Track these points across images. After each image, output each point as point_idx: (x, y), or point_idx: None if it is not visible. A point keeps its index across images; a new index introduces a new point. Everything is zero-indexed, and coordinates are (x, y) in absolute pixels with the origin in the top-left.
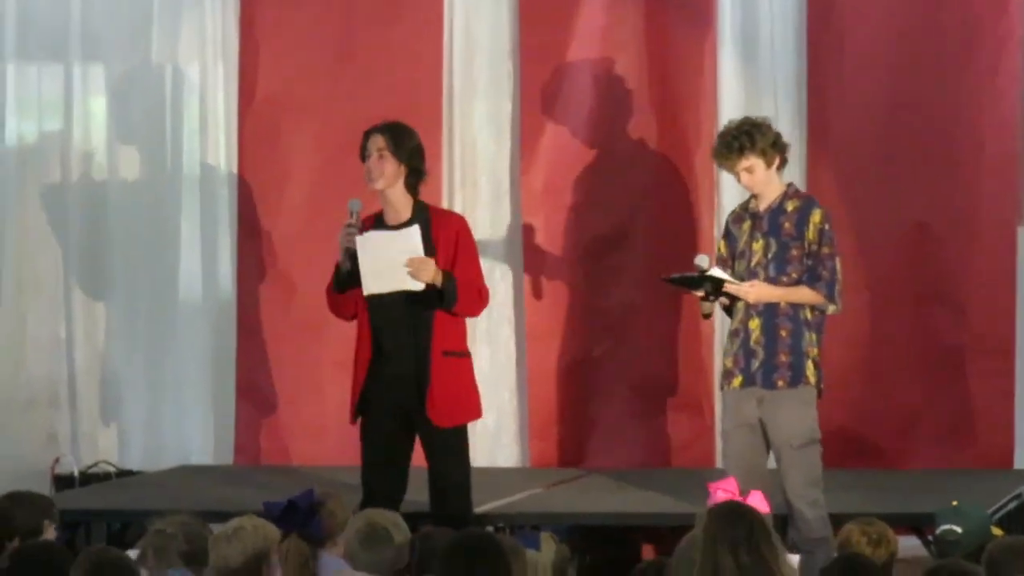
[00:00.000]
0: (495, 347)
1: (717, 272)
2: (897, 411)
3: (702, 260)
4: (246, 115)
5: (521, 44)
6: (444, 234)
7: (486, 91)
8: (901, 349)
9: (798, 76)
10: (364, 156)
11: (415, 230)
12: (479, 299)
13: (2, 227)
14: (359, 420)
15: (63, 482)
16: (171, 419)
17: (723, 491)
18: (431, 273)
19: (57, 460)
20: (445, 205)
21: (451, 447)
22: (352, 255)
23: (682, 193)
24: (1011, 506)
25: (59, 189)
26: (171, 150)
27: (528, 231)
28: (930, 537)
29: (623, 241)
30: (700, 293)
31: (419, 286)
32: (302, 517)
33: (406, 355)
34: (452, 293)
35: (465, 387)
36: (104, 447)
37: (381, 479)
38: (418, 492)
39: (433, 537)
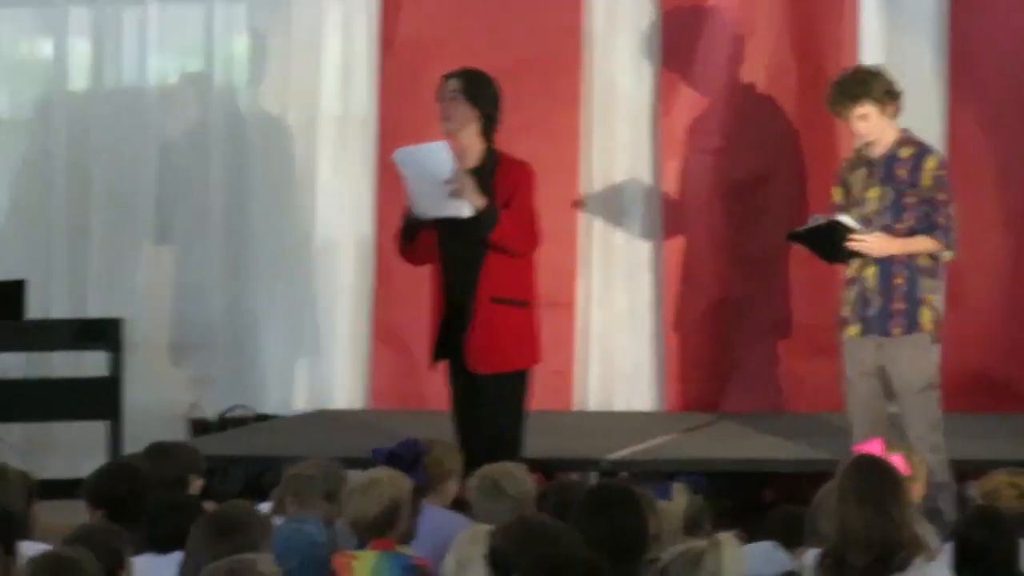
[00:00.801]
0: (633, 290)
1: (844, 218)
2: None
3: (815, 220)
4: (387, 57)
5: None
6: (505, 180)
7: (626, 32)
8: None
9: (940, 18)
10: (439, 98)
11: (442, 145)
12: (526, 236)
13: (144, 168)
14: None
15: (200, 426)
16: (309, 363)
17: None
18: (470, 190)
19: (194, 405)
20: (583, 146)
21: (488, 396)
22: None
23: (822, 135)
24: None
25: (200, 130)
26: (312, 91)
27: (668, 173)
28: None
29: (763, 184)
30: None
31: (467, 211)
32: (404, 466)
33: (465, 299)
34: (491, 218)
35: (510, 335)
36: (242, 391)
37: (468, 423)
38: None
39: (570, 487)
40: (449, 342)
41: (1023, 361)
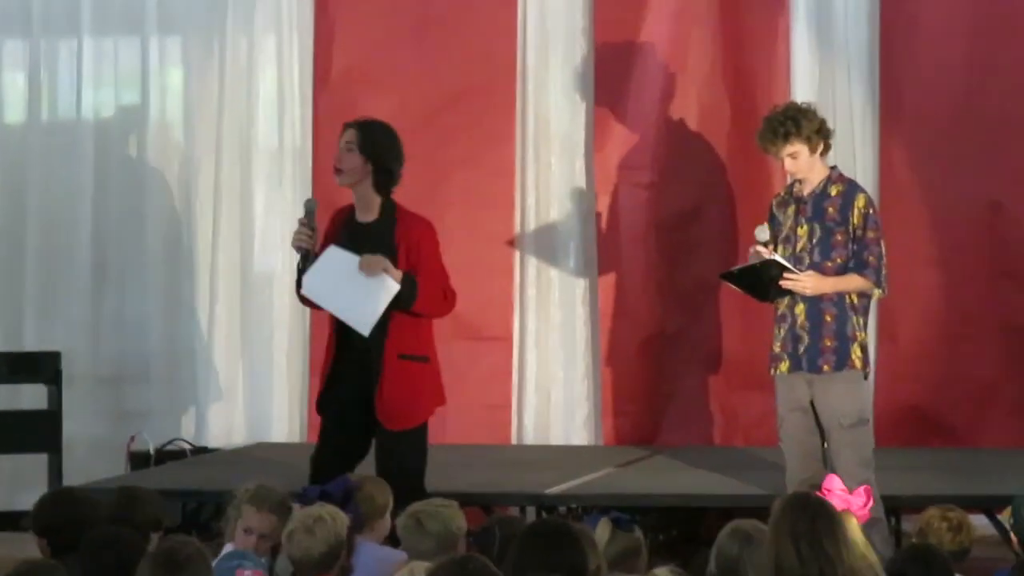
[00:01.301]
0: (568, 325)
1: (778, 257)
2: (969, 389)
3: (762, 231)
4: (321, 89)
5: (595, 20)
6: (407, 236)
7: (560, 67)
8: (974, 326)
9: (871, 52)
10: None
11: (332, 248)
12: (443, 300)
13: (80, 202)
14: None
15: (139, 460)
16: (247, 396)
17: (829, 492)
18: (381, 265)
19: (133, 438)
20: (517, 180)
21: (397, 450)
22: (305, 254)
23: (755, 169)
24: None
25: (136, 163)
26: (247, 124)
27: (602, 205)
28: (999, 517)
29: (697, 217)
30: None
31: (394, 288)
32: (336, 503)
33: (364, 356)
34: (410, 290)
35: (419, 391)
36: (180, 424)
37: (329, 469)
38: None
39: (513, 523)
40: (343, 398)
41: (953, 396)
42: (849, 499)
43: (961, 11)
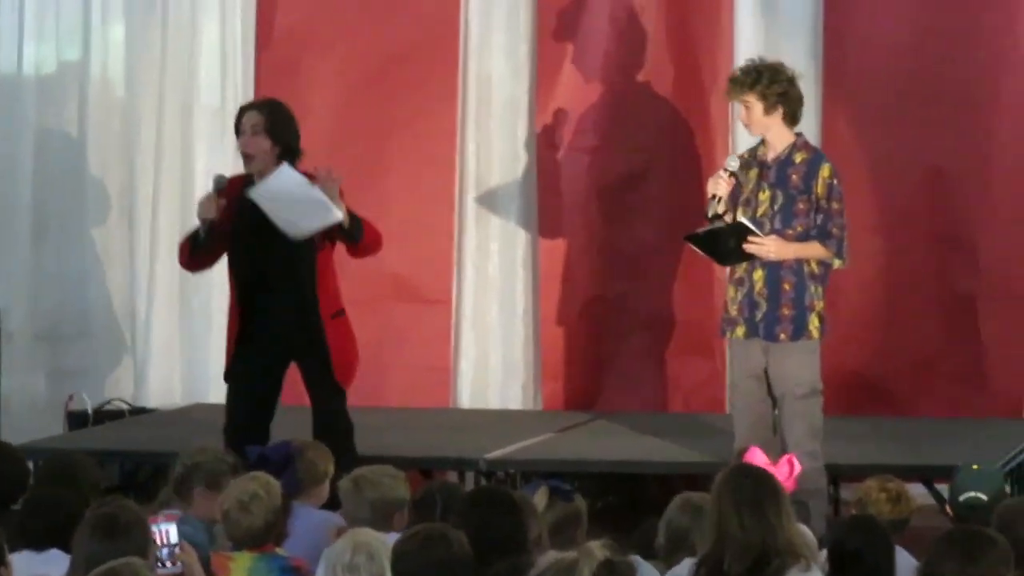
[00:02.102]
0: (508, 288)
1: (745, 220)
2: (910, 356)
3: (732, 161)
4: (264, 47)
5: None
6: None
7: (504, 27)
8: (915, 294)
9: (815, 17)
10: (238, 131)
11: (284, 166)
12: (377, 232)
13: (21, 157)
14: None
15: (77, 419)
16: (185, 356)
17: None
18: (335, 194)
19: (71, 397)
20: (459, 142)
21: (342, 409)
22: (209, 226)
23: (698, 133)
24: (1021, 458)
25: (77, 119)
26: (189, 81)
27: (543, 169)
28: (937, 487)
29: (639, 181)
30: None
31: (339, 215)
32: (274, 468)
33: (287, 317)
34: (357, 219)
35: (352, 345)
36: (119, 383)
37: (244, 438)
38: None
39: (454, 489)
40: (258, 360)
41: (895, 364)
42: (773, 470)
43: None
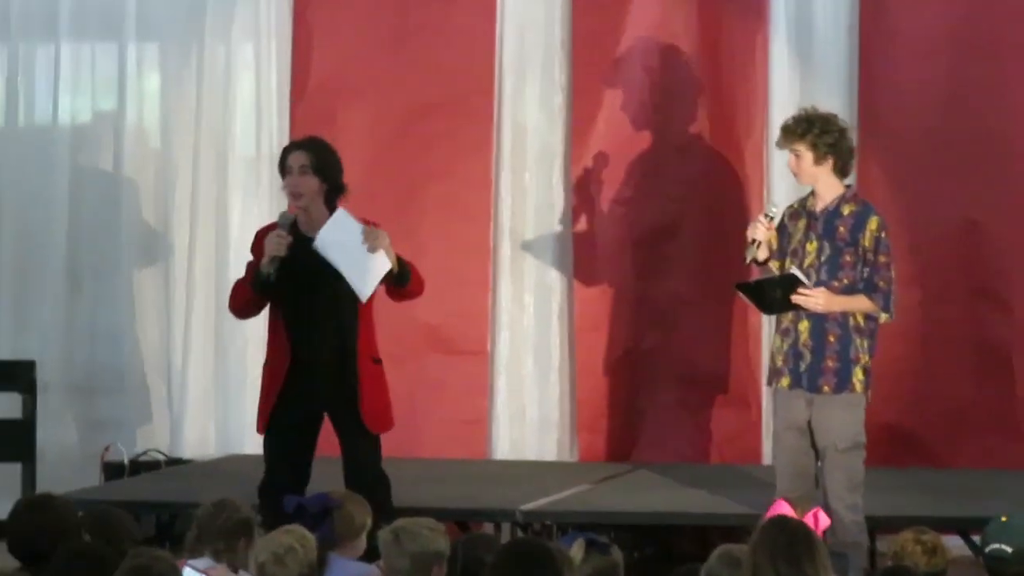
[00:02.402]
0: (543, 339)
1: (797, 272)
2: (945, 408)
3: (772, 207)
4: (299, 98)
5: (574, 30)
6: None
7: (539, 78)
8: (949, 345)
9: (850, 68)
10: (284, 171)
11: (342, 212)
12: (422, 278)
13: (56, 208)
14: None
15: (113, 470)
16: (221, 407)
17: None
18: (388, 239)
19: (107, 448)
20: (493, 192)
21: (374, 456)
22: (280, 263)
23: (732, 185)
24: None
25: (112, 169)
26: (224, 132)
27: (578, 220)
28: (975, 538)
29: (674, 232)
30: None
31: (388, 264)
32: (311, 520)
33: (329, 364)
34: (403, 266)
35: (387, 393)
36: (155, 434)
37: (289, 482)
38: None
39: (477, 543)
40: (297, 410)
41: (929, 415)
42: None
43: (940, 28)
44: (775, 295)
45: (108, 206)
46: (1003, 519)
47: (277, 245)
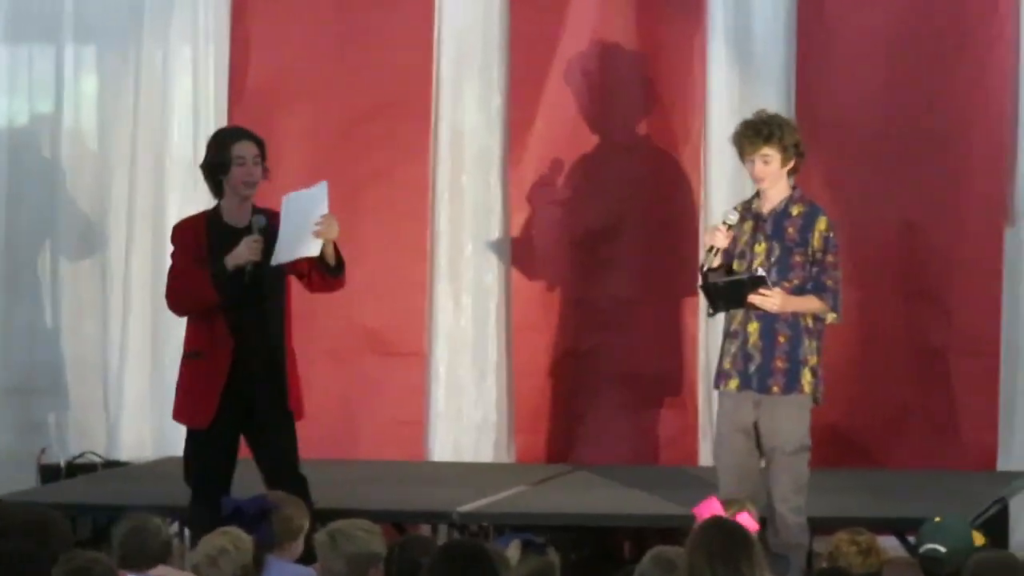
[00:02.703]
0: (482, 339)
1: (763, 272)
2: (882, 409)
3: (732, 215)
4: (237, 101)
5: (512, 32)
6: None
7: (477, 80)
8: (888, 347)
9: (787, 71)
10: (229, 160)
11: (323, 185)
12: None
13: None
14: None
15: (49, 472)
16: (158, 410)
17: (709, 515)
18: (337, 228)
19: (43, 451)
20: (431, 195)
21: (292, 443)
22: (253, 267)
23: (672, 186)
24: (992, 511)
25: (49, 171)
26: (162, 134)
27: (516, 221)
28: (910, 539)
29: (612, 234)
30: (712, 308)
31: (316, 250)
32: (249, 521)
33: (260, 353)
34: (341, 261)
35: (299, 379)
36: (91, 437)
37: (222, 483)
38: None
39: (414, 545)
40: (235, 399)
41: (867, 416)
42: None
43: (878, 30)
44: (737, 296)
45: (45, 207)
46: (937, 520)
47: (253, 250)
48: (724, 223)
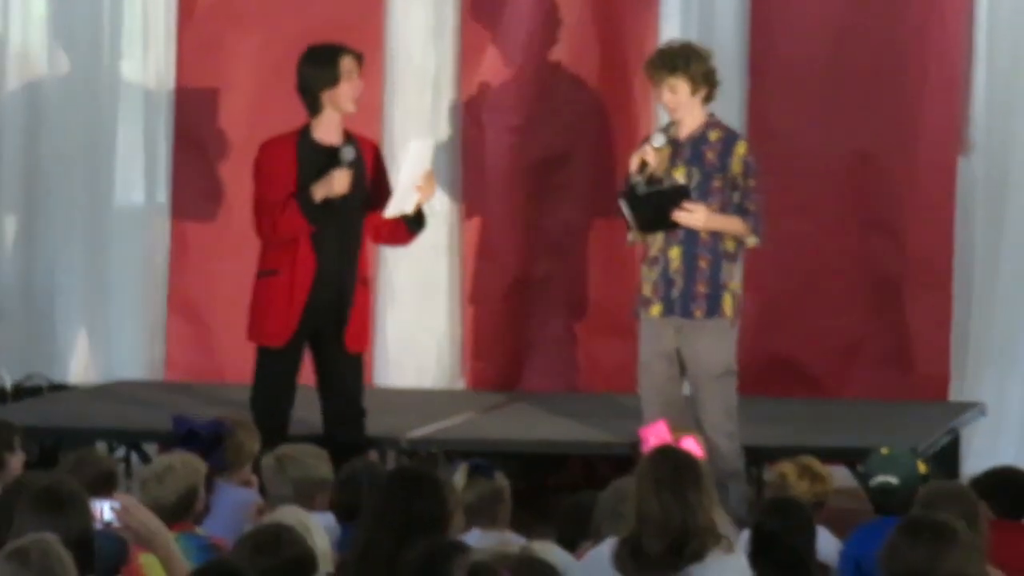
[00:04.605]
0: (433, 266)
1: (685, 184)
2: (835, 340)
3: (658, 138)
4: (186, 23)
5: None
6: (369, 156)
7: (428, 4)
8: (840, 277)
9: (741, 3)
10: (338, 76)
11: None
12: None
13: None
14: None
15: None
16: (104, 332)
17: (655, 437)
18: (435, 188)
19: None
20: (383, 120)
21: (357, 373)
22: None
23: (623, 113)
24: (944, 441)
25: None
26: (111, 55)
27: (467, 147)
28: (859, 468)
29: (564, 162)
30: (632, 231)
31: (413, 208)
32: (203, 445)
33: (334, 281)
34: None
35: (369, 314)
36: (38, 359)
37: (287, 405)
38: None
39: (377, 469)
40: (307, 325)
41: (820, 347)
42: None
43: None
44: (662, 209)
45: None
46: (884, 451)
47: (341, 184)
48: (651, 146)
